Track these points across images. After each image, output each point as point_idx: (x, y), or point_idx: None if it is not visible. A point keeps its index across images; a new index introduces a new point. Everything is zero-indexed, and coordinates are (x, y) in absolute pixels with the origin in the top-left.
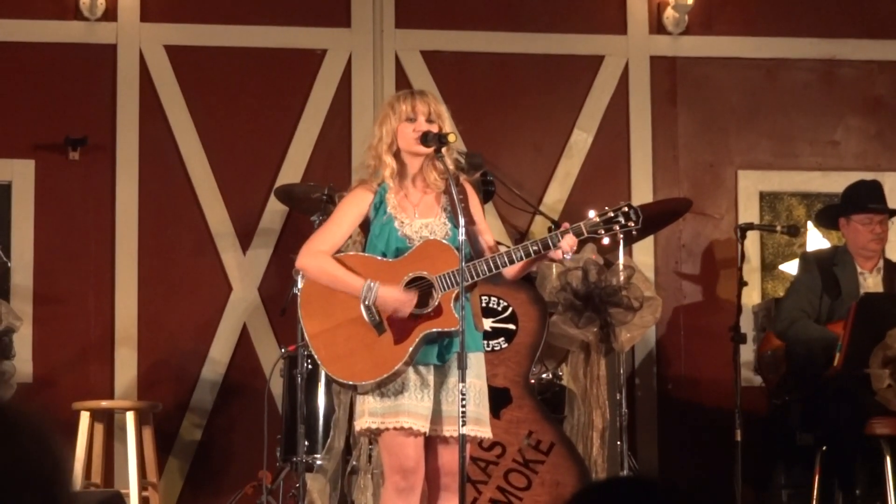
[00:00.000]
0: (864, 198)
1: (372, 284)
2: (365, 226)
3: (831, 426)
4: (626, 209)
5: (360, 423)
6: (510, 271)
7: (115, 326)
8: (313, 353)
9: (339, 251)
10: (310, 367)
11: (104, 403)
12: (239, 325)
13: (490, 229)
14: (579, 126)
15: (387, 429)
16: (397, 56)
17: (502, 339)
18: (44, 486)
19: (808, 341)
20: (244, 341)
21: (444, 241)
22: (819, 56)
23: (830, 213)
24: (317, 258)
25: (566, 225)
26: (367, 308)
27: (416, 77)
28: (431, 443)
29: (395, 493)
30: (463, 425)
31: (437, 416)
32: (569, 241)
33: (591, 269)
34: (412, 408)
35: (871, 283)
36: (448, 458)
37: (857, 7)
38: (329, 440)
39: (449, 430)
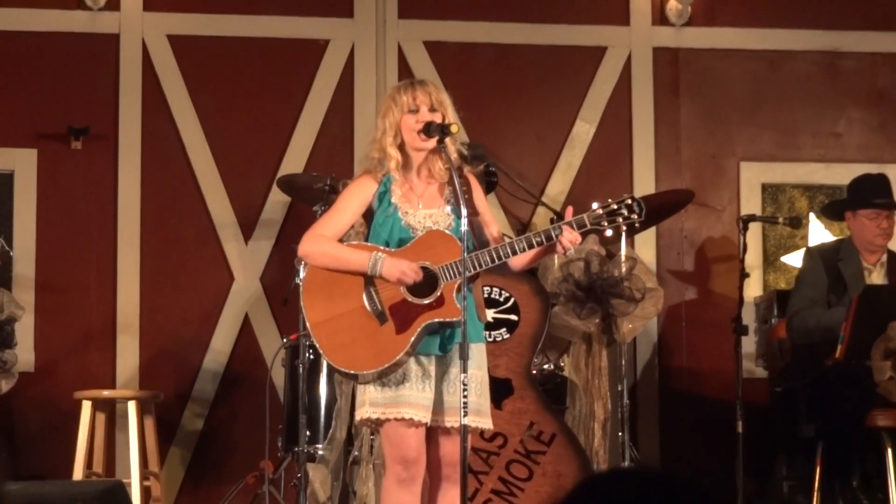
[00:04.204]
0: (871, 193)
1: (379, 255)
2: (368, 215)
3: (832, 417)
4: (629, 202)
5: (361, 413)
6: (517, 263)
7: (116, 316)
8: (315, 342)
9: (341, 240)
10: (311, 357)
11: (106, 393)
12: (241, 314)
13: (496, 220)
14: (582, 117)
15: (388, 419)
16: (400, 46)
17: (504, 329)
18: None
19: (809, 331)
20: (246, 331)
21: (447, 232)
22: (822, 48)
23: (837, 207)
24: (318, 242)
25: (570, 209)
26: (370, 297)
27: (419, 67)
28: (433, 433)
29: (396, 483)
30: (465, 416)
31: (438, 407)
32: (571, 237)
33: (593, 260)
34: (413, 398)
35: (876, 277)
36: (449, 448)
37: None
38: (331, 430)
39: (450, 420)
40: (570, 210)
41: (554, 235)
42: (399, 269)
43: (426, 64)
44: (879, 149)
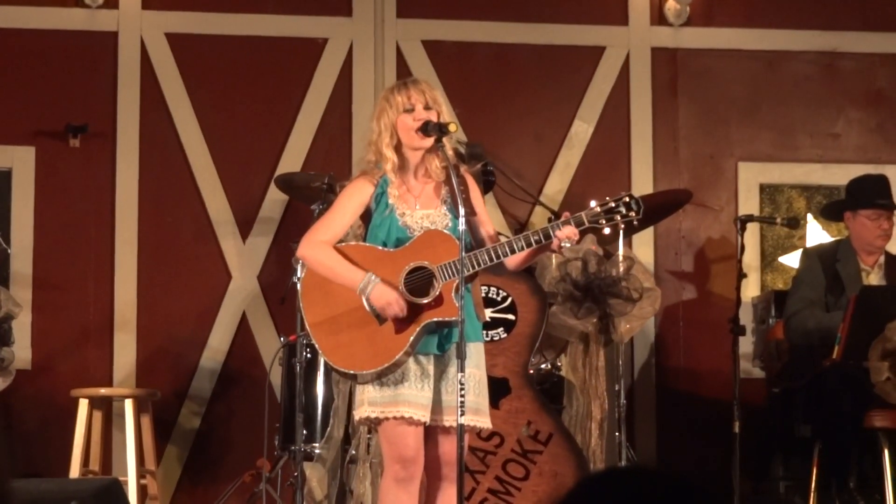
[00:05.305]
0: (872, 193)
1: (372, 278)
2: (366, 216)
3: (829, 418)
4: (627, 199)
5: (360, 413)
6: (512, 262)
7: (114, 314)
8: (314, 342)
9: (340, 241)
10: (308, 355)
11: (103, 391)
12: (238, 313)
13: (491, 220)
14: (580, 117)
15: (386, 418)
16: (398, 45)
17: (502, 329)
18: None
19: (808, 332)
20: (243, 329)
21: (445, 231)
22: (820, 48)
23: (836, 208)
24: (317, 249)
25: (567, 214)
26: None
27: (417, 67)
28: (431, 432)
29: (393, 482)
30: (462, 415)
31: (436, 406)
32: (568, 231)
33: (591, 260)
34: (412, 397)
35: (874, 279)
36: (447, 447)
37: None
38: (328, 429)
39: (448, 419)
40: (566, 215)
41: (552, 233)
42: (386, 298)
43: (424, 63)
44: (877, 149)
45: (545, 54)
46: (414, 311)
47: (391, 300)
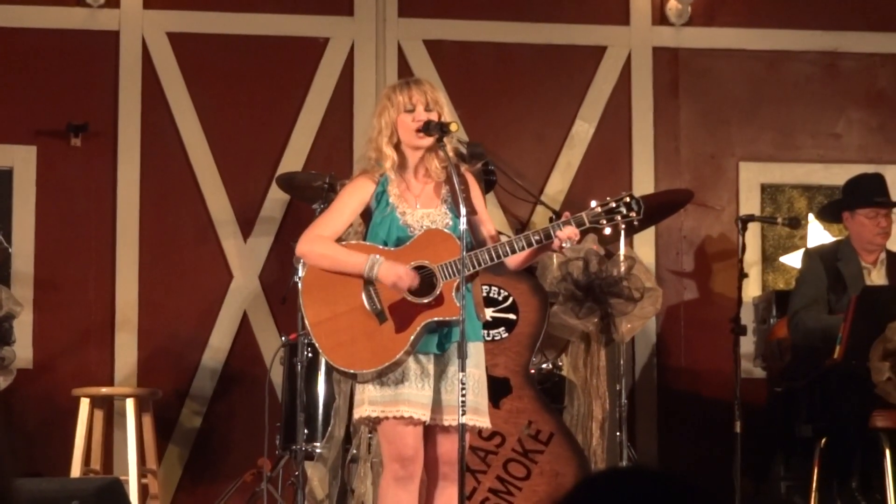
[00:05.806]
0: (869, 192)
1: (376, 258)
2: (366, 215)
3: (831, 418)
4: (627, 199)
5: (360, 412)
6: (513, 262)
7: (115, 313)
8: (315, 341)
9: (339, 239)
10: (310, 355)
11: (104, 390)
12: (239, 312)
13: (491, 219)
14: (581, 116)
15: (386, 418)
16: (400, 45)
17: (503, 328)
18: None
19: (809, 331)
20: (244, 329)
21: (445, 231)
22: (821, 48)
23: (833, 209)
24: (316, 243)
25: (567, 214)
26: (369, 296)
27: (419, 66)
28: (430, 432)
29: (393, 481)
30: (463, 414)
31: (436, 406)
32: (569, 231)
33: (592, 260)
34: (412, 397)
35: (875, 276)
36: (447, 447)
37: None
38: (329, 429)
39: (448, 419)
40: (567, 215)
41: (553, 234)
42: (395, 273)
43: (426, 63)
44: (878, 149)
45: (546, 54)
46: (414, 311)
47: (401, 274)
